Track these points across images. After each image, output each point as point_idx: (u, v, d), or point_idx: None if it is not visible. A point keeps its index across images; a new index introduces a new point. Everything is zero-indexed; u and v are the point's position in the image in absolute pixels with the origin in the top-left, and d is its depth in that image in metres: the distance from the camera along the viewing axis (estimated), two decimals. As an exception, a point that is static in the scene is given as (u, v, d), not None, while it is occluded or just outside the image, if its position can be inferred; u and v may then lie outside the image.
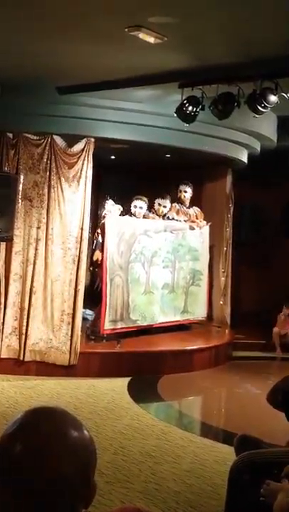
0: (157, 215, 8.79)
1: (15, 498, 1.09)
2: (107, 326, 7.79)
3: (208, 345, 8.53)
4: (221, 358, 8.56)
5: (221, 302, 9.73)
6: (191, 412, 7.04)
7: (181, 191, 9.15)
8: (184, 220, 9.08)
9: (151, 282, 8.43)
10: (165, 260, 8.71)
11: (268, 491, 2.58)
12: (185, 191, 9.16)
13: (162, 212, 8.82)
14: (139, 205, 8.39)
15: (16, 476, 1.09)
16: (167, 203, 8.86)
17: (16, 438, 1.12)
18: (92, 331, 8.02)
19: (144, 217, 8.54)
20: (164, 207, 8.82)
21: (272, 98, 5.77)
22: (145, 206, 8.48)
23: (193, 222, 9.14)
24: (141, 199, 8.43)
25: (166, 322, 8.77)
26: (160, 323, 8.63)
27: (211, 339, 8.92)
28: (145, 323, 8.36)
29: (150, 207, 8.69)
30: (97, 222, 9.18)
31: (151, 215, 8.72)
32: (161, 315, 8.63)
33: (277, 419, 3.33)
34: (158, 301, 8.55)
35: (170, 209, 8.99)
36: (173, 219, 8.94)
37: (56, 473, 1.09)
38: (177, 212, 9.06)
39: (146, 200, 8.49)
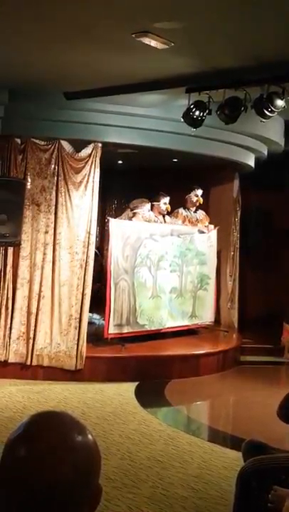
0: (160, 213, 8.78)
1: (14, 501, 1.10)
2: (112, 330, 7.78)
3: (216, 349, 8.50)
4: (229, 363, 8.54)
5: (229, 306, 9.71)
6: (198, 417, 7.03)
7: (197, 196, 9.16)
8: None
9: (159, 286, 8.41)
10: (172, 264, 8.69)
11: (275, 497, 2.57)
12: (197, 195, 9.18)
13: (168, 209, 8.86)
14: (167, 201, 8.66)
15: (16, 479, 1.10)
16: (168, 199, 8.89)
17: (19, 442, 1.13)
18: (96, 334, 8.00)
19: (148, 220, 8.52)
20: (165, 204, 8.82)
21: (279, 102, 5.77)
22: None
23: (196, 225, 9.14)
24: (164, 195, 8.67)
25: (175, 327, 8.74)
26: (168, 328, 8.61)
27: (218, 344, 8.89)
28: (153, 328, 8.35)
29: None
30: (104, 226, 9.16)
31: (157, 217, 8.72)
32: (170, 319, 8.60)
33: (285, 424, 3.32)
34: (166, 306, 8.53)
35: (176, 216, 8.99)
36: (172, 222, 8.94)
37: (56, 477, 1.09)
38: (184, 220, 9.05)
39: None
